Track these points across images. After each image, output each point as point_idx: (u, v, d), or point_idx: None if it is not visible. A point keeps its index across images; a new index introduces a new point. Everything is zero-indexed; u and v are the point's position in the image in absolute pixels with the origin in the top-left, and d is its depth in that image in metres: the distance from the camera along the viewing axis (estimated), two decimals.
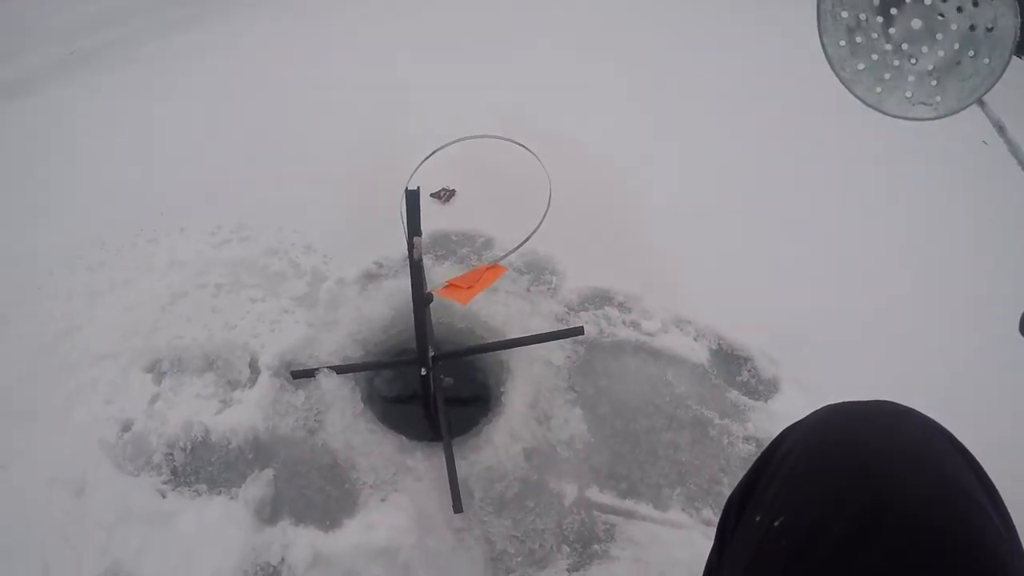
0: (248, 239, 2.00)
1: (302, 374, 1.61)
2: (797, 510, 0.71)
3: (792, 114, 2.72)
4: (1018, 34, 0.68)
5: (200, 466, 1.49)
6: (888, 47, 0.77)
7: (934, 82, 0.75)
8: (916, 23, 0.74)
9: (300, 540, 1.39)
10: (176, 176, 2.28)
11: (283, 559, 1.37)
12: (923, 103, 0.76)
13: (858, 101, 0.82)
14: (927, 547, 0.61)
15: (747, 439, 1.61)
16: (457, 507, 1.41)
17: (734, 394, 1.71)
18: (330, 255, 1.95)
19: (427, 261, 1.92)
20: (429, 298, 1.40)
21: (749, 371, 1.77)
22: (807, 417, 0.83)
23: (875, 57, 0.78)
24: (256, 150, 2.39)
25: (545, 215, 1.33)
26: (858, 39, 0.78)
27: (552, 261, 1.98)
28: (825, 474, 0.71)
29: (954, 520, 0.63)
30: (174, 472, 1.48)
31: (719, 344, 1.83)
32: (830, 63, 0.80)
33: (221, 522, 1.41)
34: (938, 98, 0.75)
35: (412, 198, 1.18)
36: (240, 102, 2.70)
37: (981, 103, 0.72)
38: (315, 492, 1.47)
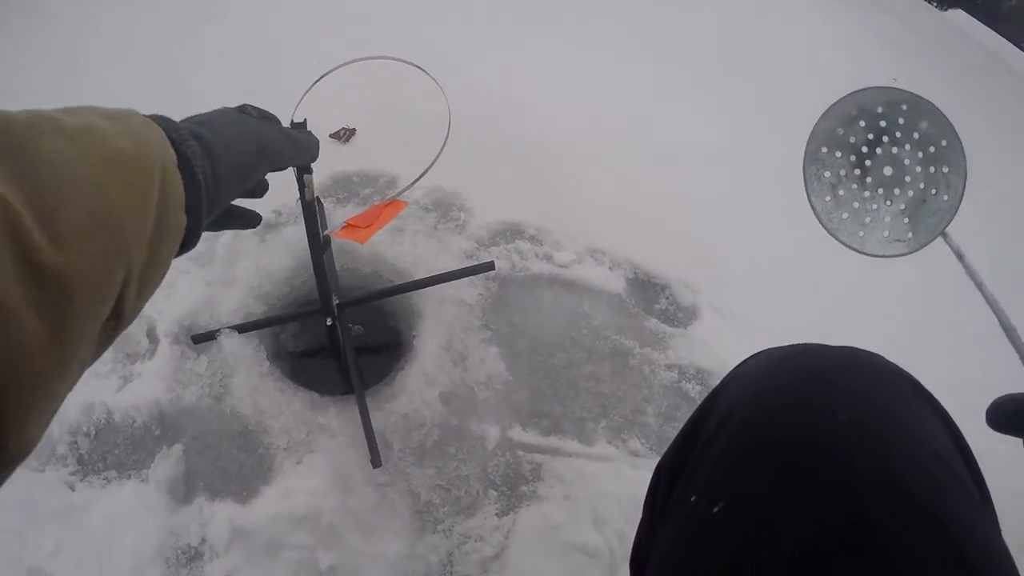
0: None
1: (202, 338, 1.53)
2: (738, 496, 0.62)
3: (710, 43, 2.64)
4: (966, 172, 0.81)
5: (107, 451, 1.42)
6: (867, 194, 0.87)
7: (906, 220, 0.85)
8: (887, 171, 0.85)
9: (218, 516, 1.35)
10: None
11: (203, 539, 1.33)
12: (898, 240, 0.85)
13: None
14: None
15: (669, 367, 1.58)
16: (376, 461, 1.36)
17: (653, 322, 1.67)
18: None
19: (328, 205, 1.83)
20: (327, 241, 1.32)
21: (667, 299, 1.72)
22: (745, 366, 0.75)
23: (856, 205, 0.87)
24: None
25: (445, 143, 1.25)
26: (840, 192, 0.88)
27: (460, 197, 1.89)
28: (771, 451, 0.62)
29: (948, 521, 0.56)
30: (80, 461, 1.42)
31: (635, 273, 1.77)
32: (818, 218, 0.88)
33: (135, 508, 1.36)
34: (910, 234, 0.85)
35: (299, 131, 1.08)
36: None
37: (944, 235, 0.81)
38: (228, 462, 1.42)
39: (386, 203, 1.29)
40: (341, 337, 1.51)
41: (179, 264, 1.65)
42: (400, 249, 1.72)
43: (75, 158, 0.51)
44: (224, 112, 0.79)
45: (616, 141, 2.18)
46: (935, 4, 3.47)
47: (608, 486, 1.42)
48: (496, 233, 1.83)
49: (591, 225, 1.85)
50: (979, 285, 0.73)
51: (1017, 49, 2.70)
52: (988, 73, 2.77)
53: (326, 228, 1.31)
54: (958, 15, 3.40)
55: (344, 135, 2.00)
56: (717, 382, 0.77)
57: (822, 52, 2.77)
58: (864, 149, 0.86)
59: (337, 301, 1.45)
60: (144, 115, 0.64)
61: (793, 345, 0.74)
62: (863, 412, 0.62)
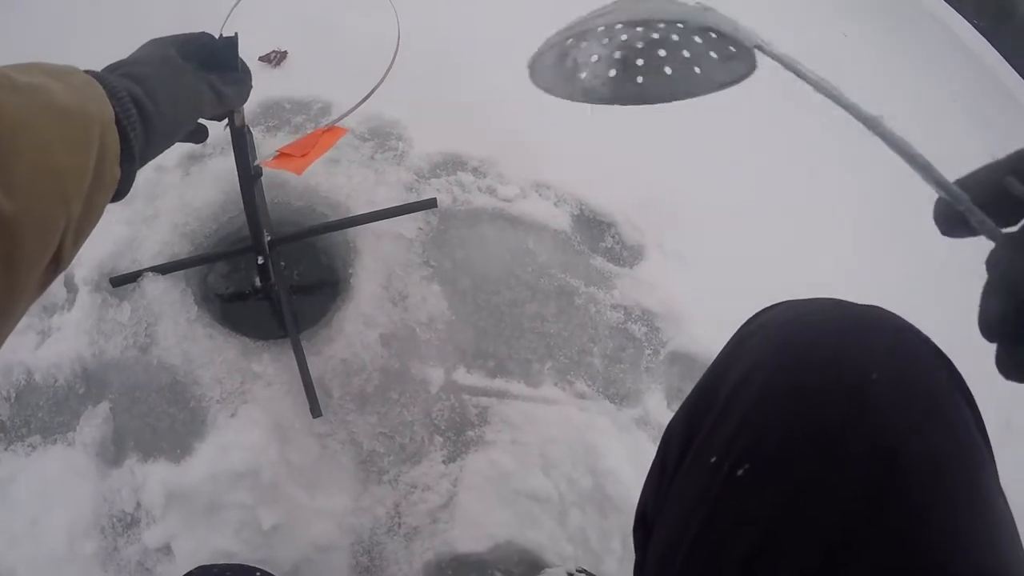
0: None
1: (122, 280, 1.42)
2: (769, 460, 0.58)
3: None
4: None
5: (29, 415, 1.35)
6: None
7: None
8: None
9: (151, 478, 1.29)
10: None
11: (138, 503, 1.28)
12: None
13: None
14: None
15: (614, 307, 1.50)
16: (315, 411, 1.30)
17: (599, 261, 1.58)
18: None
19: (258, 133, 1.68)
20: (258, 172, 1.20)
21: (613, 237, 1.63)
22: (765, 319, 0.69)
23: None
24: None
25: (393, 62, 1.15)
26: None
27: (398, 126, 1.75)
28: (798, 410, 0.58)
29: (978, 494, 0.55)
30: (2, 428, 1.34)
31: (581, 210, 1.66)
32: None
33: (63, 475, 1.30)
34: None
35: (228, 48, 0.96)
36: None
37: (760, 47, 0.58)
38: (158, 418, 1.34)
39: (323, 130, 1.19)
40: (273, 277, 1.42)
41: None
42: (335, 181, 1.59)
43: (27, 116, 0.56)
44: (160, 62, 0.82)
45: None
46: None
47: (555, 430, 1.37)
48: (437, 165, 1.70)
49: (536, 159, 1.72)
50: (817, 84, 0.55)
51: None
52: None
53: (256, 159, 1.20)
54: None
55: (275, 58, 1.85)
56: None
57: None
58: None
59: (269, 238, 1.35)
60: (86, 75, 0.68)
61: (814, 299, 0.68)
62: (895, 372, 0.57)
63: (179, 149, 1.60)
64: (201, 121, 0.94)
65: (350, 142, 1.69)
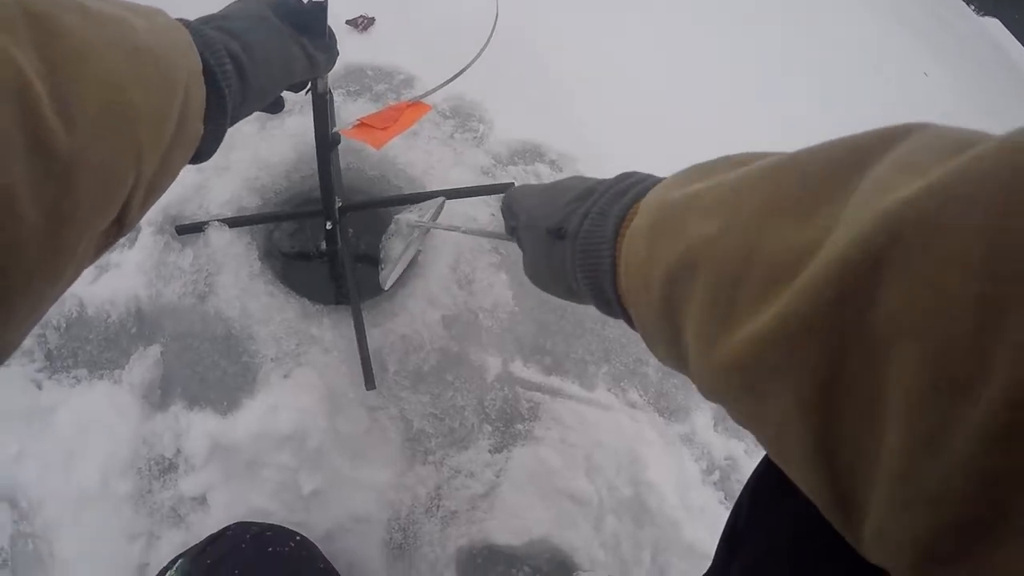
0: None
1: (188, 229, 1.40)
2: None
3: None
4: None
5: (78, 347, 1.32)
6: None
7: None
8: None
9: (195, 427, 1.26)
10: None
11: (179, 450, 1.25)
12: None
13: None
14: None
15: None
16: (369, 383, 1.27)
17: None
18: None
19: (338, 97, 1.67)
20: (336, 139, 1.19)
21: None
22: None
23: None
24: None
25: (488, 42, 1.14)
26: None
27: (480, 108, 1.75)
28: None
29: None
30: (49, 357, 1.31)
31: None
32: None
33: (106, 412, 1.26)
34: None
35: (319, 12, 0.94)
36: None
37: None
38: (209, 369, 1.32)
39: (407, 104, 1.17)
40: (340, 243, 1.40)
41: None
42: (412, 155, 1.58)
43: (98, 44, 0.48)
44: (257, 19, 0.77)
45: (652, 82, 2.04)
46: (973, 8, 3.35)
47: (605, 435, 1.36)
48: (515, 152, 1.70)
49: (616, 161, 1.69)
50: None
51: None
52: (1008, 82, 2.67)
53: (335, 125, 1.18)
54: (993, 23, 3.29)
55: (362, 23, 1.84)
56: None
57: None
58: None
59: (340, 204, 1.33)
60: (172, 18, 0.62)
61: None
62: None
63: None
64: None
65: (431, 118, 1.68)
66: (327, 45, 0.94)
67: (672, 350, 0.55)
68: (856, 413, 0.36)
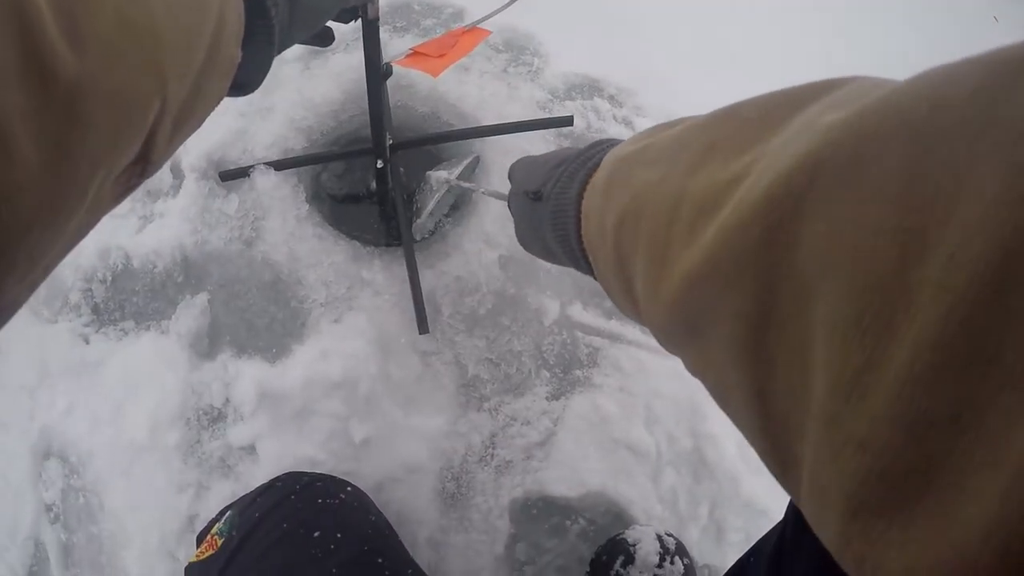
0: None
1: (233, 174, 1.35)
2: None
3: None
4: None
5: (124, 299, 1.29)
6: None
7: None
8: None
9: (244, 375, 1.22)
10: None
11: (227, 399, 1.22)
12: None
13: None
14: None
15: None
16: (422, 327, 1.21)
17: None
18: None
19: (384, 34, 1.60)
20: (388, 71, 1.11)
21: None
22: None
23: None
24: None
25: None
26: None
27: (534, 40, 1.67)
28: None
29: None
30: (95, 311, 1.29)
31: None
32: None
33: (153, 363, 1.24)
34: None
35: None
36: None
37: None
38: (257, 315, 1.27)
39: (463, 30, 1.10)
40: (392, 183, 1.33)
41: None
42: (464, 90, 1.51)
43: None
44: None
45: (720, 16, 1.92)
46: None
47: (665, 385, 1.28)
48: (572, 86, 1.61)
49: (677, 95, 1.60)
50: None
51: None
52: None
53: (384, 57, 1.10)
54: None
55: None
56: None
57: None
58: None
59: (391, 142, 1.27)
60: None
61: None
62: None
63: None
64: (330, 23, 0.84)
65: (483, 51, 1.60)
66: None
67: (628, 301, 0.57)
68: (788, 356, 0.35)
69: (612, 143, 0.67)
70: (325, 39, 0.87)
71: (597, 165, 0.63)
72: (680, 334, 0.46)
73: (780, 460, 0.38)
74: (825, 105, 0.37)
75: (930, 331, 0.26)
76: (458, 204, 1.40)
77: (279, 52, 0.65)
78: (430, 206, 1.22)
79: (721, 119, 0.46)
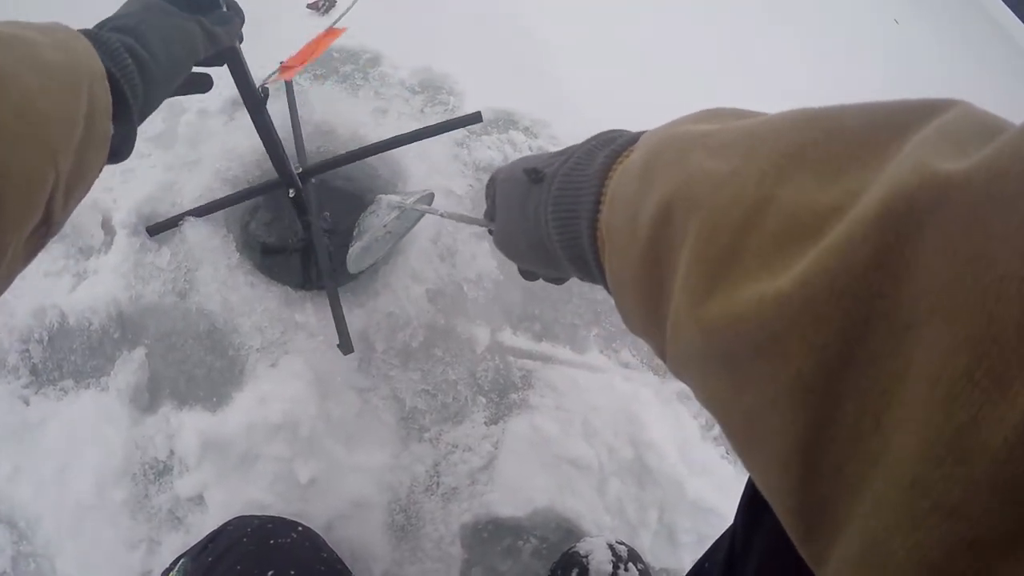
0: None
1: (160, 228, 1.38)
2: None
3: None
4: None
5: (62, 358, 1.31)
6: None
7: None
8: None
9: (186, 426, 1.24)
10: None
11: (172, 451, 1.24)
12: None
13: None
14: None
15: None
16: (346, 347, 1.21)
17: None
18: None
19: (305, 82, 1.64)
20: (265, 93, 1.14)
21: None
22: None
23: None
24: None
25: None
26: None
27: (449, 80, 1.72)
28: None
29: None
30: (34, 371, 1.30)
31: None
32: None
33: (95, 420, 1.26)
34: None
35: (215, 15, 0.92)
36: None
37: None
38: (195, 366, 1.30)
39: (323, 33, 1.14)
40: (311, 211, 1.36)
41: (137, 147, 1.49)
42: (382, 131, 1.53)
43: (10, 66, 0.53)
44: (144, 9, 0.78)
45: (622, 43, 1.99)
46: None
47: (599, 398, 1.33)
48: (488, 121, 1.66)
49: (588, 122, 1.63)
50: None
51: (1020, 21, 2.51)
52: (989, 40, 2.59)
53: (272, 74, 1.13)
54: None
55: (323, 6, 1.82)
56: None
57: None
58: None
59: (300, 170, 1.30)
60: (71, 29, 0.66)
61: None
62: None
63: (224, 95, 1.55)
64: (202, 70, 0.93)
65: (400, 94, 1.65)
66: (226, 17, 0.92)
67: (647, 307, 0.50)
68: (862, 403, 0.32)
69: (632, 133, 0.62)
70: (202, 86, 0.96)
71: (624, 147, 0.58)
72: (714, 359, 0.41)
73: (807, 518, 0.35)
74: (939, 132, 0.34)
75: None
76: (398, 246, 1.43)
77: (142, 118, 0.76)
78: (376, 231, 1.14)
79: (808, 121, 0.41)
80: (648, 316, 0.50)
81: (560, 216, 0.60)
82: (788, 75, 1.93)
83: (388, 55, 1.73)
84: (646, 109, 1.64)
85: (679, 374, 0.48)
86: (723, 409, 0.42)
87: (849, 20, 2.36)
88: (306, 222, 1.39)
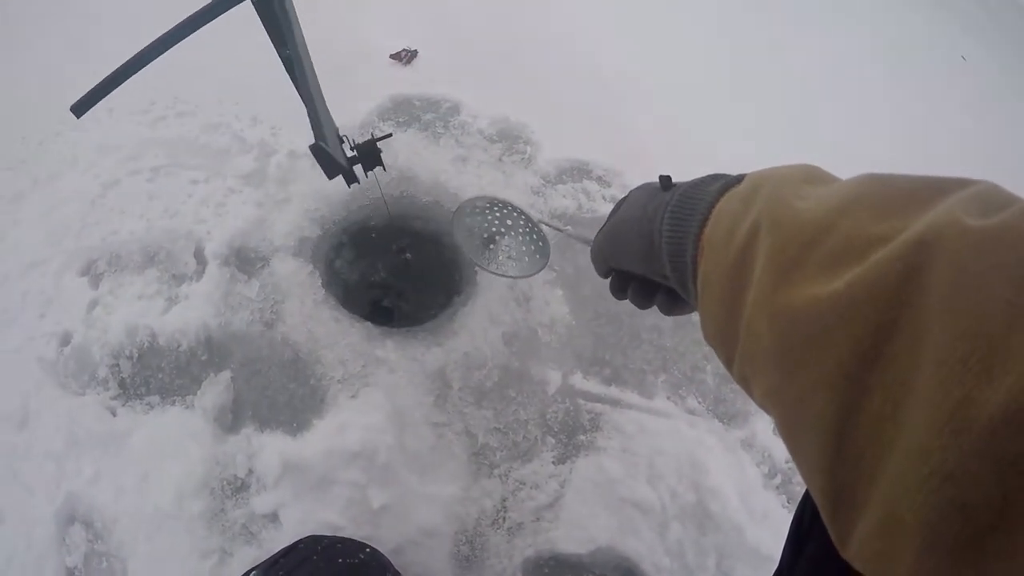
0: (185, 114, 1.75)
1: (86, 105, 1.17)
2: None
3: None
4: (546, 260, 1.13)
5: (150, 375, 1.36)
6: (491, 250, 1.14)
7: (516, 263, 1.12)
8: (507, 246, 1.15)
9: (267, 448, 1.29)
10: (97, 49, 1.95)
11: (250, 470, 1.28)
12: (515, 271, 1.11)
13: None
14: None
15: None
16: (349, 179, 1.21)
17: None
18: (279, 126, 1.73)
19: (389, 128, 1.73)
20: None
21: None
22: None
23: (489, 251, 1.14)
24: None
25: None
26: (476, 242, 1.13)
27: (526, 130, 1.81)
28: None
29: None
30: (122, 385, 1.35)
31: None
32: (467, 254, 1.12)
33: (179, 435, 1.30)
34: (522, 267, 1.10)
35: None
36: None
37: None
38: (278, 392, 1.35)
39: None
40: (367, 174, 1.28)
41: (230, 183, 1.57)
42: (463, 179, 1.63)
43: None
44: None
45: (695, 85, 2.09)
46: None
47: (665, 443, 1.37)
48: (563, 171, 1.75)
49: (661, 168, 1.72)
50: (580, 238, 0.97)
51: None
52: None
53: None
54: None
55: (405, 56, 1.91)
56: None
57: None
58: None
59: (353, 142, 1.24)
60: None
61: None
62: None
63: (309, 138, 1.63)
64: None
65: (479, 143, 1.73)
66: None
67: (726, 305, 0.57)
68: (889, 386, 0.38)
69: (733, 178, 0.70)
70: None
71: (736, 180, 0.65)
72: (773, 352, 0.48)
73: (837, 499, 0.42)
74: (968, 197, 0.42)
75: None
76: (462, 285, 1.49)
77: None
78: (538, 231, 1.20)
79: (873, 178, 0.50)
80: (726, 315, 0.57)
81: (676, 218, 0.66)
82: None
83: (468, 104, 1.82)
84: (712, 162, 1.74)
85: (744, 376, 0.54)
86: (777, 397, 0.48)
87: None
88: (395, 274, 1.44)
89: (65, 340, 1.38)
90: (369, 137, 1.20)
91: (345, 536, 1.15)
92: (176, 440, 1.29)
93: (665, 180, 0.74)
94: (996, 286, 0.35)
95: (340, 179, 1.42)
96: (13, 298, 1.44)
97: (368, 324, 1.43)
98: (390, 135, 1.19)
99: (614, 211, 0.85)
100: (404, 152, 1.63)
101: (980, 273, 0.36)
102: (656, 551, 1.28)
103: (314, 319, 1.41)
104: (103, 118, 1.74)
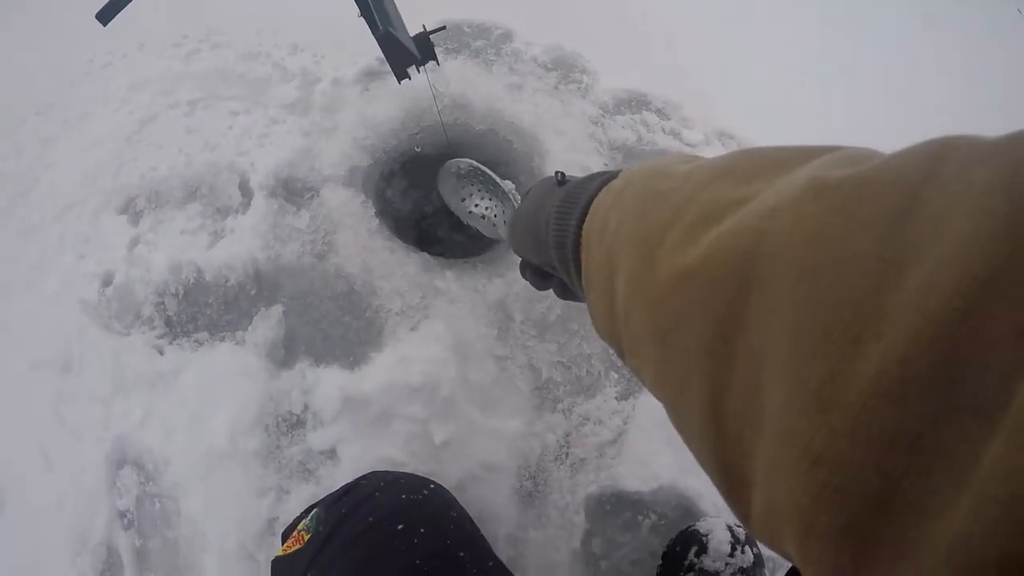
0: (221, 46, 1.67)
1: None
2: None
3: None
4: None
5: (197, 311, 1.29)
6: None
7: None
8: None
9: (323, 383, 1.22)
10: None
11: (306, 406, 1.21)
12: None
13: None
14: None
15: None
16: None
17: None
18: (321, 53, 1.64)
19: (438, 55, 1.64)
20: None
21: None
22: None
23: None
24: None
25: None
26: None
27: (581, 59, 1.72)
28: None
29: None
30: (168, 323, 1.29)
31: None
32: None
33: (230, 372, 1.24)
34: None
35: None
36: None
37: None
38: (333, 325, 1.28)
39: None
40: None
41: (272, 113, 1.50)
42: (519, 108, 1.55)
43: None
44: None
45: (766, 29, 2.01)
46: None
47: None
48: (621, 102, 1.67)
49: (720, 108, 1.69)
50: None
51: None
52: None
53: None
54: None
55: None
56: None
57: None
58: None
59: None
60: None
61: None
62: None
63: (358, 65, 1.58)
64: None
65: (534, 71, 1.65)
66: None
67: (606, 302, 0.55)
68: (748, 367, 0.36)
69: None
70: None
71: (615, 174, 0.65)
72: (652, 340, 0.46)
73: (727, 479, 0.40)
74: (831, 159, 0.39)
75: (900, 348, 0.27)
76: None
77: None
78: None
79: (744, 152, 0.48)
80: (608, 309, 0.55)
81: (560, 213, 0.67)
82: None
83: (520, 31, 1.74)
84: (766, 109, 1.66)
85: (635, 367, 0.52)
86: (661, 386, 0.47)
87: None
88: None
89: (107, 280, 1.31)
90: (421, 29, 1.12)
91: (407, 472, 1.09)
92: (227, 377, 1.23)
93: (560, 175, 0.74)
94: (858, 242, 0.32)
95: (389, 107, 1.33)
96: (50, 240, 1.39)
97: (425, 255, 1.36)
98: (444, 28, 1.10)
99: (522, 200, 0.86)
100: (455, 79, 1.55)
101: (840, 231, 0.33)
102: (715, 491, 1.21)
103: (368, 250, 1.34)
104: (134, 54, 1.68)
